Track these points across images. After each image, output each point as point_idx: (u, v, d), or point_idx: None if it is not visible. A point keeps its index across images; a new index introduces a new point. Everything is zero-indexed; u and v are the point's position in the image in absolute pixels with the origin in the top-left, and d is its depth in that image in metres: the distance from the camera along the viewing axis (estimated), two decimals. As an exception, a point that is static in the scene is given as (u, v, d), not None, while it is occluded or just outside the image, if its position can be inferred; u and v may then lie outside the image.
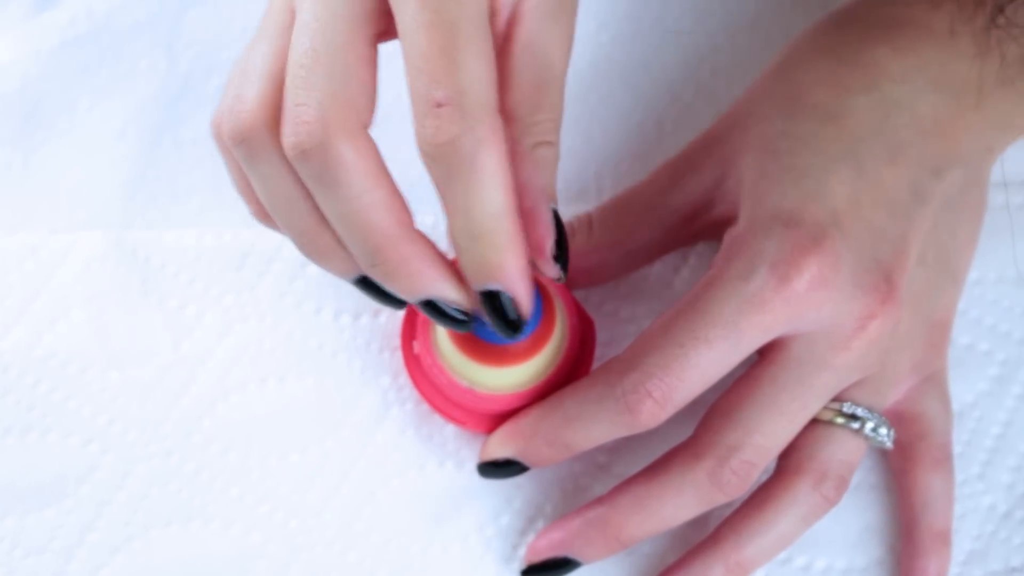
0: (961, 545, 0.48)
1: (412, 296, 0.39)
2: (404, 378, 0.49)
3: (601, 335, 0.49)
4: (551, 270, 0.40)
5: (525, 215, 0.39)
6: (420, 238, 0.38)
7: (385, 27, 0.38)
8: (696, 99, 0.53)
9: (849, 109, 0.45)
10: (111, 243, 0.51)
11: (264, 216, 0.43)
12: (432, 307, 0.39)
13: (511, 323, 0.39)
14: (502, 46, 0.39)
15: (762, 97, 0.46)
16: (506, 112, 0.38)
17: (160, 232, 0.51)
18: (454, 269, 0.39)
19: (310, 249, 0.40)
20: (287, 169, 0.38)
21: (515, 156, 0.38)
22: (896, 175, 0.44)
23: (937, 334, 0.47)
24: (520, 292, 0.38)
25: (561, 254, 0.40)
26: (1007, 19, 0.42)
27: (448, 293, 0.39)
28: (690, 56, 0.53)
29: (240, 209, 0.48)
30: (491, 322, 0.39)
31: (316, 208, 0.38)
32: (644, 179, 0.49)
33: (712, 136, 0.48)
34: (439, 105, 0.35)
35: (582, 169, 0.52)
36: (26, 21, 0.54)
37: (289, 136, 0.36)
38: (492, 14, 0.38)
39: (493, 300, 0.38)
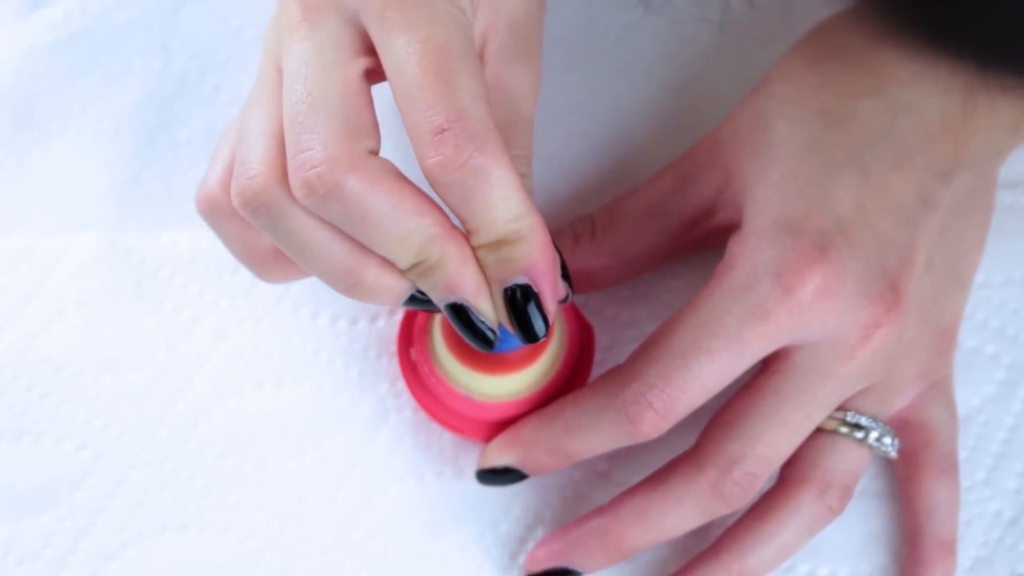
0: (967, 552, 0.48)
1: (448, 295, 0.37)
2: (402, 384, 0.48)
3: (601, 340, 0.49)
4: (559, 290, 0.39)
5: None
6: (461, 237, 0.37)
7: (374, 65, 0.37)
8: (698, 99, 0.52)
9: (855, 113, 0.44)
10: (105, 245, 0.50)
11: (274, 271, 0.42)
12: (461, 314, 0.38)
13: (533, 325, 0.38)
14: None
15: (766, 100, 0.46)
16: None
17: (155, 234, 0.51)
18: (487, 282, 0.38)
19: (353, 286, 0.38)
20: (312, 217, 0.37)
21: None
22: (903, 180, 0.44)
23: (944, 341, 0.47)
24: (547, 286, 0.37)
25: (562, 273, 0.39)
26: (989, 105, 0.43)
27: (481, 302, 0.38)
28: (692, 55, 0.53)
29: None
30: (512, 324, 0.38)
31: (354, 242, 0.37)
32: (646, 181, 0.48)
33: (715, 139, 0.47)
34: (442, 131, 0.35)
35: (582, 170, 0.51)
36: (18, 19, 0.53)
37: (300, 187, 0.36)
38: None
39: (515, 300, 0.37)
